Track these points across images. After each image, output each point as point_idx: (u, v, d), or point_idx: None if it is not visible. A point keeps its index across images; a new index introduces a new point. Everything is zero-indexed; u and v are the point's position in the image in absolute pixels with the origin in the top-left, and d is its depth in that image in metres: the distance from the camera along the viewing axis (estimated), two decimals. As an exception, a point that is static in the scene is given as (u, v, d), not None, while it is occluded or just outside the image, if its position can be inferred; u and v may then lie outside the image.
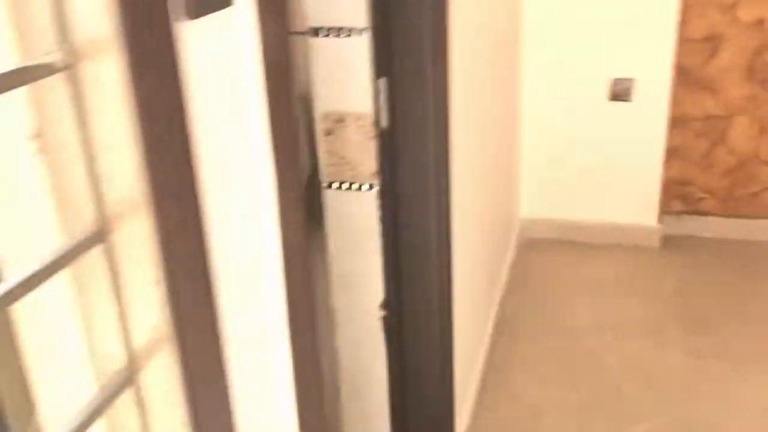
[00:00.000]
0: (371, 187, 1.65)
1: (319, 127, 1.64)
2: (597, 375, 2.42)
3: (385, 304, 1.74)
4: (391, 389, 1.82)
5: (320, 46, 1.56)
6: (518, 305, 2.81)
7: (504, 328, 2.66)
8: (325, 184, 1.68)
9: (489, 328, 2.50)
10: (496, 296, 2.68)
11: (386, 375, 1.81)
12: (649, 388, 2.34)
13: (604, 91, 2.98)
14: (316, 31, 1.55)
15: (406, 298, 1.71)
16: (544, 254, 3.17)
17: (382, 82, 1.52)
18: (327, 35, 1.55)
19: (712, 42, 2.91)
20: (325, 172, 1.68)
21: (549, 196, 3.22)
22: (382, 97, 1.54)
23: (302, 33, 1.58)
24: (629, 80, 2.93)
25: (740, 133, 3.02)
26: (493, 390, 2.36)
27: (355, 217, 1.70)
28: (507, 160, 2.92)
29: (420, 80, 1.50)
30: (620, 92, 2.96)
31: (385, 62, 1.50)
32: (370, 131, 1.59)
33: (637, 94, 2.95)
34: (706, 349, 2.51)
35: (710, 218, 3.19)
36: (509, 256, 3.00)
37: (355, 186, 1.67)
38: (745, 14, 2.84)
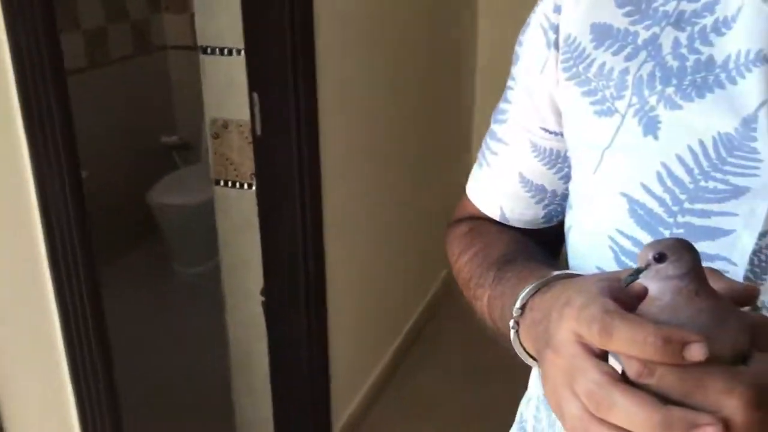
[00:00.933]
0: (251, 186, 1.89)
1: (209, 131, 1.89)
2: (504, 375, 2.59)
3: (264, 291, 1.97)
4: (272, 368, 2.04)
5: (209, 62, 1.82)
6: (450, 317, 3.00)
7: (429, 333, 2.85)
8: (213, 182, 1.93)
9: (405, 330, 2.69)
10: (420, 304, 2.87)
11: (268, 355, 2.03)
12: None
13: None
14: (205, 49, 1.81)
15: (280, 287, 1.93)
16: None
17: (255, 96, 1.77)
18: (213, 53, 1.80)
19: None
20: (214, 170, 1.93)
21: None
22: (257, 108, 1.78)
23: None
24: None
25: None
26: (397, 383, 2.55)
27: (239, 212, 1.94)
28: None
29: (284, 94, 1.73)
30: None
31: (256, 78, 1.75)
32: (249, 137, 1.84)
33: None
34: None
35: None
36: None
37: (238, 184, 1.91)
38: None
